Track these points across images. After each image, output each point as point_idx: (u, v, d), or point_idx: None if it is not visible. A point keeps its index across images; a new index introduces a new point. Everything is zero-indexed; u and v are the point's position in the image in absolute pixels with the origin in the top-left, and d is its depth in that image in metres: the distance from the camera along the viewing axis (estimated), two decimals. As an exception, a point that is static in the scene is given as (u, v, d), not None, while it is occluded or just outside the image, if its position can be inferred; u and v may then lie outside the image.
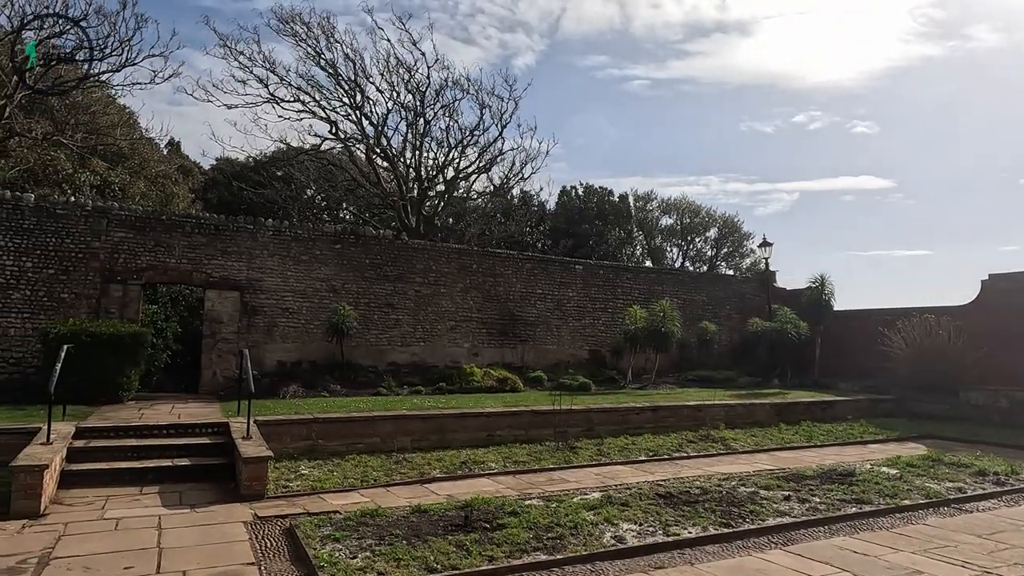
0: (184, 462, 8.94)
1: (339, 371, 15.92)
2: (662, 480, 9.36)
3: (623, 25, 70.87)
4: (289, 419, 10.63)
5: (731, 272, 33.71)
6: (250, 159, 34.37)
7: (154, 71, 19.24)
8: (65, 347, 9.16)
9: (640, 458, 11.13)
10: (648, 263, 33.27)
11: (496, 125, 23.25)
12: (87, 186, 18.85)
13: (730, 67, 67.16)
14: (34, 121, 18.54)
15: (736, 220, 36.12)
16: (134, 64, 18.69)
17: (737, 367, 21.29)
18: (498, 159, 23.01)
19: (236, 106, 18.20)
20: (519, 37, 63.21)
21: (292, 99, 19.41)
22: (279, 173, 34.62)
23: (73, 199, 14.73)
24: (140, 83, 19.21)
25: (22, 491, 7.12)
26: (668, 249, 34.76)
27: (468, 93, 23.77)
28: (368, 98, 20.89)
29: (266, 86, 18.00)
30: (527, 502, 7.87)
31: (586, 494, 8.36)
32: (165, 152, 27.08)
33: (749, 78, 67.45)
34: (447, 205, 23.86)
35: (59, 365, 8.68)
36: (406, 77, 21.83)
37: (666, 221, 35.46)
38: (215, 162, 33.87)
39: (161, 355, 16.67)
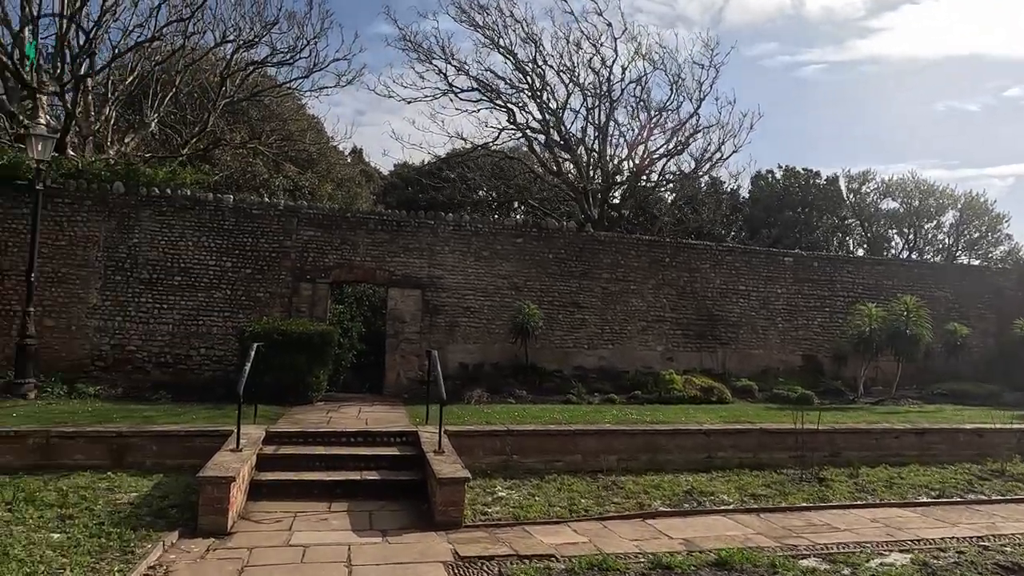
0: (373, 476, 7.95)
1: (523, 374, 14.67)
2: (979, 537, 6.80)
3: (795, 9, 64.33)
4: (480, 431, 9.40)
5: (979, 262, 28.03)
6: (424, 163, 35.13)
7: (338, 74, 19.48)
8: (255, 346, 8.62)
9: (921, 499, 8.50)
10: (860, 254, 28.79)
11: (691, 99, 20.86)
12: (280, 190, 19.46)
13: (922, 41, 58.24)
14: (234, 129, 19.48)
15: (983, 200, 29.81)
16: (321, 68, 19.06)
17: (998, 379, 17.12)
18: (692, 138, 20.59)
19: (414, 100, 17.87)
20: (680, 32, 59.56)
21: (469, 88, 18.74)
22: (452, 175, 35.02)
23: (266, 199, 14.88)
24: (326, 87, 19.45)
25: (209, 505, 6.40)
26: (891, 237, 29.82)
27: (658, 67, 21.69)
28: (547, 83, 19.67)
29: (444, 76, 17.52)
30: (802, 562, 5.81)
31: (883, 555, 6.10)
32: (348, 159, 27.99)
33: (949, 50, 57.97)
34: (632, 195, 21.92)
35: (248, 365, 8.10)
36: (590, 54, 20.33)
37: (888, 205, 30.35)
38: (393, 168, 34.79)
39: (347, 355, 16.51)
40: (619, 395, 14.01)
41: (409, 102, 18.15)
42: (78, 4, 14.87)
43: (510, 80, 18.99)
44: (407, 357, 14.71)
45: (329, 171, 22.44)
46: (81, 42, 16.01)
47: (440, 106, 32.60)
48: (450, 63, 18.07)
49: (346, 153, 28.25)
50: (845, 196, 29.63)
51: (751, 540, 6.51)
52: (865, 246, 29.16)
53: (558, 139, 20.14)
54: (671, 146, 20.75)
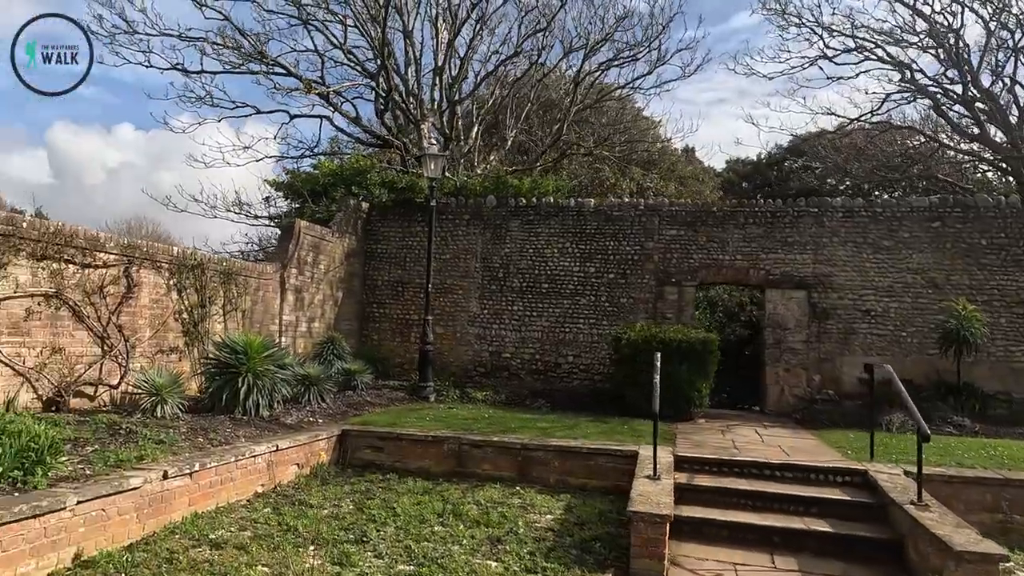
0: (821, 526, 6.17)
1: (953, 397, 11.32)
2: None
3: None
4: (962, 476, 6.91)
5: None
6: (761, 156, 31.92)
7: (682, 65, 18.16)
8: (658, 355, 7.55)
9: None
10: None
11: None
12: (627, 193, 18.83)
13: None
14: (580, 137, 19.51)
15: None
16: (664, 62, 17.98)
17: None
18: None
19: (774, 76, 15.62)
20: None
21: (846, 49, 15.76)
22: (795, 164, 31.19)
23: (626, 199, 14.16)
24: (670, 81, 18.35)
25: (643, 547, 5.36)
26: None
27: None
28: (964, 24, 15.56)
29: (821, 37, 14.92)
30: None
31: None
32: (682, 158, 26.55)
33: None
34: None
35: (658, 377, 7.00)
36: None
37: None
38: (725, 164, 32.36)
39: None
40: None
41: (770, 78, 15.98)
42: (453, 34, 16.20)
43: (909, 26, 15.36)
44: (792, 370, 12.52)
45: (671, 170, 21.30)
46: (454, 73, 17.44)
47: (804, 78, 29.05)
48: (822, 25, 15.35)
49: (678, 152, 26.86)
50: None
51: None
52: None
53: (975, 93, 15.76)
54: None
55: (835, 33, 15.20)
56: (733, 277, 13.35)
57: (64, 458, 5.23)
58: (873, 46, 15.56)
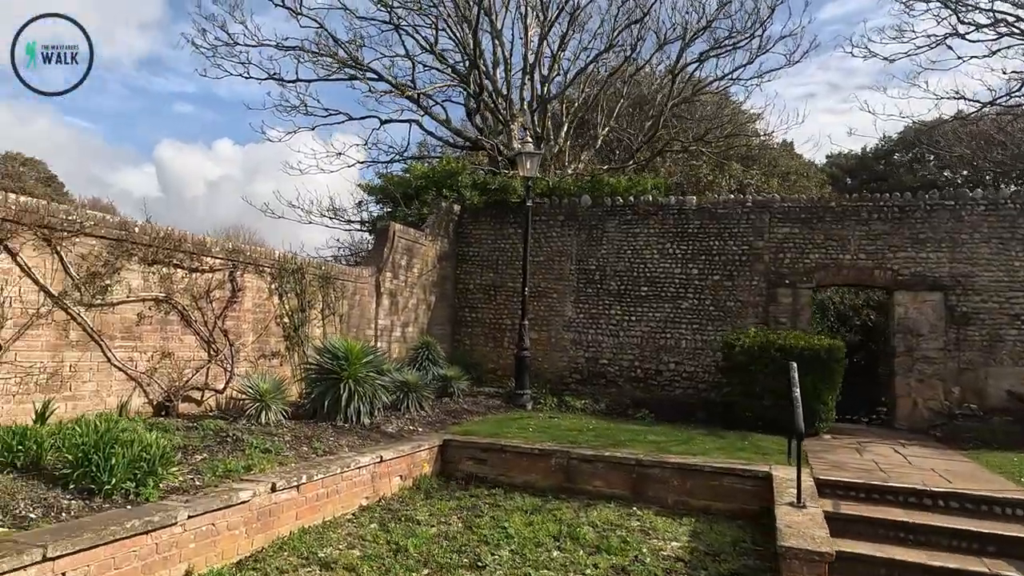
0: (1009, 572, 5.22)
1: None
2: None
3: None
4: None
5: None
6: (868, 149, 29.81)
7: (786, 53, 16.96)
8: (793, 366, 6.76)
9: None
10: None
11: None
12: (725, 191, 17.77)
13: None
14: (674, 134, 18.62)
15: None
16: (766, 51, 16.84)
17: None
18: None
19: (896, 57, 14.24)
20: None
21: (982, 25, 14.18)
22: (905, 157, 28.95)
23: (732, 196, 13.24)
24: (771, 71, 17.12)
25: (797, 588, 4.64)
26: None
27: None
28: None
29: (954, 11, 13.44)
30: None
31: None
32: (784, 152, 25.03)
33: None
34: None
35: (797, 390, 6.23)
36: None
37: None
38: (825, 159, 30.43)
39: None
40: None
41: (891, 60, 14.58)
42: (546, 29, 15.76)
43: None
44: (927, 381, 11.26)
45: (772, 165, 20.02)
46: (544, 71, 16.99)
47: (928, 59, 26.82)
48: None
49: (775, 146, 25.36)
50: None
51: None
52: None
53: None
54: None
55: (970, 7, 13.64)
56: (855, 278, 12.18)
57: (174, 468, 5.06)
58: (1015, 20, 13.90)
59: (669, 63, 17.22)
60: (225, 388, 8.05)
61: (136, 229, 7.03)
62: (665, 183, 15.52)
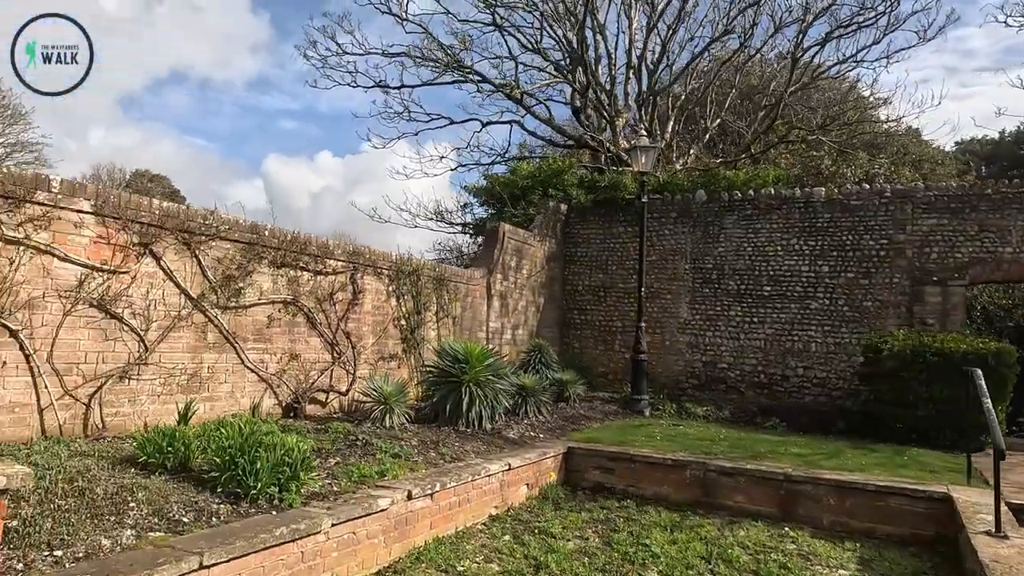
0: None
1: None
2: None
3: None
4: None
5: None
6: (1008, 133, 27.07)
7: (919, 29, 15.44)
8: (978, 372, 5.90)
9: None
10: None
11: None
12: (850, 182, 16.43)
13: None
14: (791, 123, 17.46)
15: None
16: (896, 28, 15.43)
17: None
18: None
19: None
20: None
21: None
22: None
23: (867, 186, 12.14)
24: (900, 50, 15.65)
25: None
26: None
27: None
28: None
29: None
30: None
31: None
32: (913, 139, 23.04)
33: None
34: None
35: (988, 401, 5.41)
36: None
37: None
38: (955, 146, 27.84)
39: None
40: None
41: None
42: (655, 19, 15.18)
43: None
44: (1113, 391, 9.80)
45: (902, 153, 18.39)
46: (650, 64, 16.35)
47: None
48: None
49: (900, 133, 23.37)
50: None
51: None
52: None
53: None
54: None
55: None
56: (1018, 274, 10.83)
57: (314, 473, 4.95)
58: None
59: (782, 49, 16.17)
60: (349, 390, 8.04)
61: (266, 232, 7.11)
62: (788, 175, 14.50)
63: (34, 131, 27.53)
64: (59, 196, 5.24)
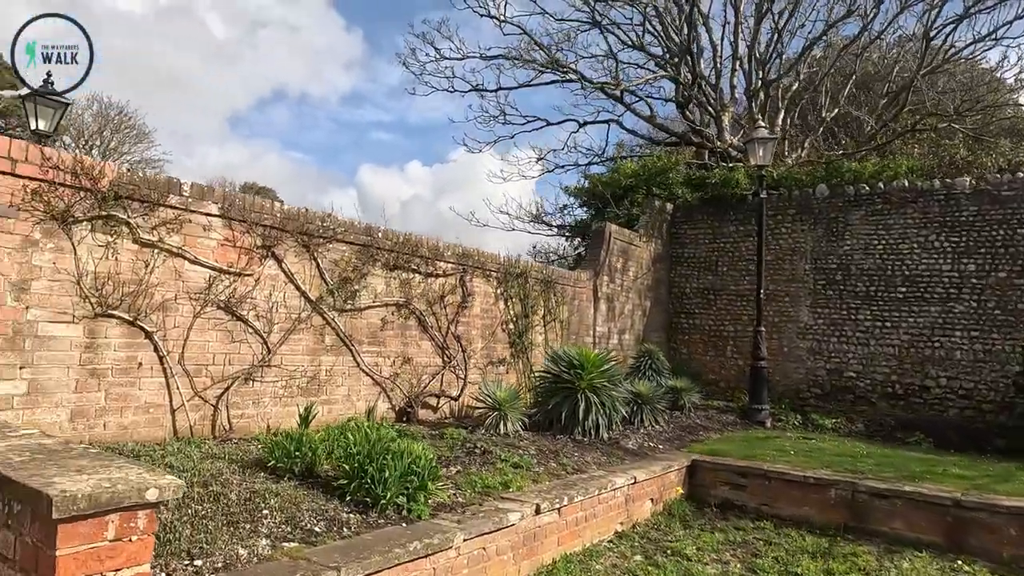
0: None
1: None
2: None
3: None
4: None
5: None
6: None
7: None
8: None
9: None
10: None
11: None
12: (990, 172, 14.83)
13: None
14: (919, 109, 16.02)
15: None
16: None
17: None
18: None
19: None
20: None
21: None
22: None
23: (1021, 174, 10.83)
24: (1049, 22, 13.97)
25: None
26: None
27: None
28: None
29: None
30: None
31: None
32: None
33: None
34: None
35: None
36: None
37: None
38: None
39: None
40: None
41: None
42: (765, 6, 14.34)
43: None
44: None
45: (1050, 138, 16.46)
46: (759, 54, 15.46)
47: None
48: None
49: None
50: None
51: None
52: None
53: None
54: None
55: None
56: None
57: (440, 483, 4.72)
58: None
59: (906, 31, 14.85)
60: (460, 395, 7.86)
61: (380, 234, 7.03)
62: (922, 165, 13.24)
63: (156, 148, 29.60)
64: (189, 199, 5.30)
